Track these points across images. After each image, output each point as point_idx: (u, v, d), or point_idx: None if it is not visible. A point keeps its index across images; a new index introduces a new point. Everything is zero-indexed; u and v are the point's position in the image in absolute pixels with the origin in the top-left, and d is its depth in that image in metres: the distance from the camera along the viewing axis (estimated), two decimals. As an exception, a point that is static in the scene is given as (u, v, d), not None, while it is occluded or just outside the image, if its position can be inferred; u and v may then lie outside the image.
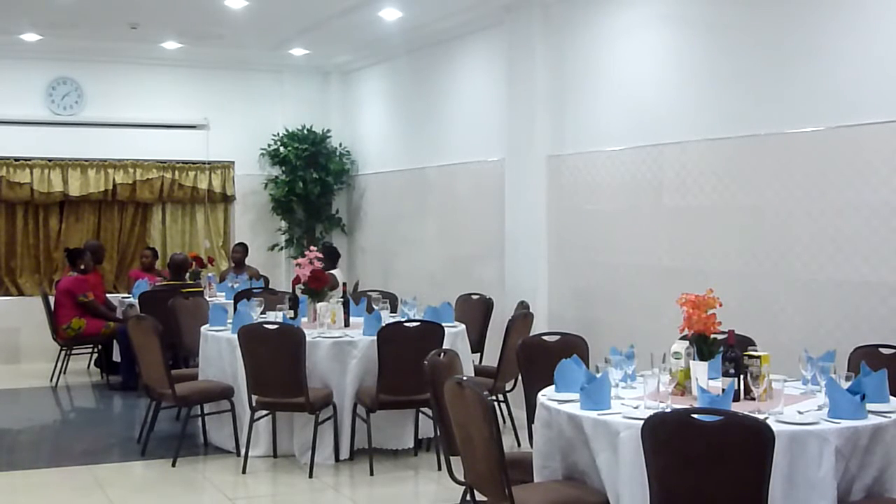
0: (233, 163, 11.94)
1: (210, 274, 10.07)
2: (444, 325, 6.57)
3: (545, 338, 5.51)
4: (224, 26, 9.69)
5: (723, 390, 4.14)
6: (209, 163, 11.81)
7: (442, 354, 4.90)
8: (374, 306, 7.23)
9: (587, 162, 7.64)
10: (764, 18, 6.07)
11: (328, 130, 11.83)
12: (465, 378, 4.15)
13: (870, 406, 4.02)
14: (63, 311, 9.47)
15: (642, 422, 3.60)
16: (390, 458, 6.67)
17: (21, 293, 11.20)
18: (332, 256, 9.82)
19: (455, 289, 8.53)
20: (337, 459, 6.55)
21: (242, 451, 6.47)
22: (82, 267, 9.60)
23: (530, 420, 4.81)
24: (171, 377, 6.56)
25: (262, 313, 7.17)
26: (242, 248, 10.90)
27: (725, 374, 4.27)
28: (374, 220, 11.46)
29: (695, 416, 3.58)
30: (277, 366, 6.18)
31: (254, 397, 6.33)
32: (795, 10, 5.85)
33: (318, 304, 7.09)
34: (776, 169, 5.95)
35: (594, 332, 6.75)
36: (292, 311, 7.12)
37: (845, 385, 4.04)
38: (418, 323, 6.52)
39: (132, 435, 7.45)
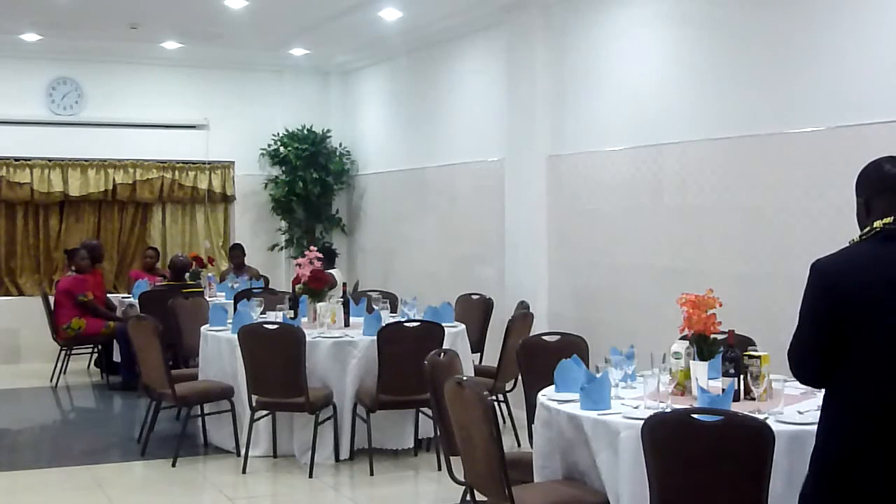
0: (233, 163, 11.93)
1: (210, 274, 10.06)
2: (444, 325, 6.57)
3: (545, 338, 5.51)
4: (224, 26, 9.69)
5: (723, 390, 4.13)
6: (209, 163, 11.81)
7: (442, 354, 4.90)
8: (374, 306, 7.22)
9: (587, 162, 7.64)
10: (764, 18, 6.07)
11: (328, 130, 11.82)
12: (465, 378, 4.15)
13: (870, 406, 4.02)
14: (63, 311, 9.47)
15: (642, 422, 3.60)
16: (390, 458, 6.67)
17: (21, 293, 11.20)
18: (328, 257, 9.81)
19: (455, 289, 8.53)
20: (337, 459, 6.55)
21: (242, 451, 6.47)
22: (73, 268, 9.57)
23: (530, 420, 4.80)
24: (171, 377, 6.57)
25: (262, 313, 7.17)
26: (241, 252, 10.86)
27: (725, 374, 4.26)
28: (374, 220, 11.46)
29: (695, 416, 3.57)
30: (277, 366, 6.18)
31: (254, 397, 6.33)
32: (796, 10, 5.84)
33: (318, 304, 7.09)
34: (776, 169, 5.95)
35: (594, 332, 6.73)
36: (292, 311, 7.12)
37: (845, 385, 4.03)
38: (418, 323, 6.52)
39: (132, 435, 7.45)
